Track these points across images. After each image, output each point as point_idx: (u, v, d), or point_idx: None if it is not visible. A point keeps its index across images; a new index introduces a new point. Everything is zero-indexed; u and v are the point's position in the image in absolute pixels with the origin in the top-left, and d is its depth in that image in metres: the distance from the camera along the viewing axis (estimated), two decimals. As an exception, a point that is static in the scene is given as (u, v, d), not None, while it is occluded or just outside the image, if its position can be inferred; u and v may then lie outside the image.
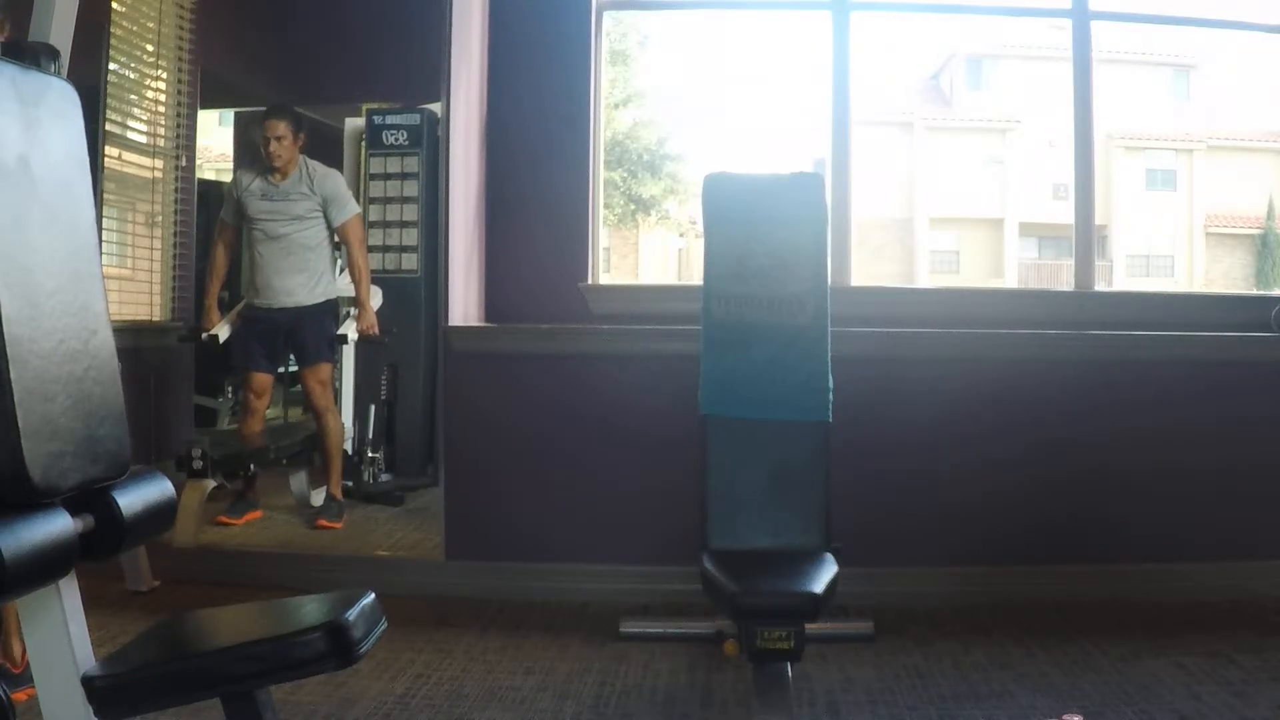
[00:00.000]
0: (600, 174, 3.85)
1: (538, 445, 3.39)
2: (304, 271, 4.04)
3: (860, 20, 3.80)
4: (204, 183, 5.25)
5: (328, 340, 4.16)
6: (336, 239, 4.17)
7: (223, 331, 4.16)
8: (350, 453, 4.47)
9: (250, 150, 4.25)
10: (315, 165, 4.08)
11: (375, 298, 4.38)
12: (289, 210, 3.99)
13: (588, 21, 3.70)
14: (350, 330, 4.32)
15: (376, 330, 4.25)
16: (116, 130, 4.52)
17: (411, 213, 5.04)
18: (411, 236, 5.03)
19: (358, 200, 4.36)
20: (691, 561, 2.60)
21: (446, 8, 3.38)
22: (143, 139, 4.71)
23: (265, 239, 4.01)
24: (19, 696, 2.20)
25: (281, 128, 3.93)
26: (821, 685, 2.59)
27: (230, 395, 5.03)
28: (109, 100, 4.44)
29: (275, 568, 3.48)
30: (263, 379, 4.08)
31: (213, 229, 4.47)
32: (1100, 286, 4.07)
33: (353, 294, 4.27)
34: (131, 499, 1.52)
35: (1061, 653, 2.82)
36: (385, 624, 1.60)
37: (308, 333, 4.07)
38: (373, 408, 4.75)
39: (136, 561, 3.26)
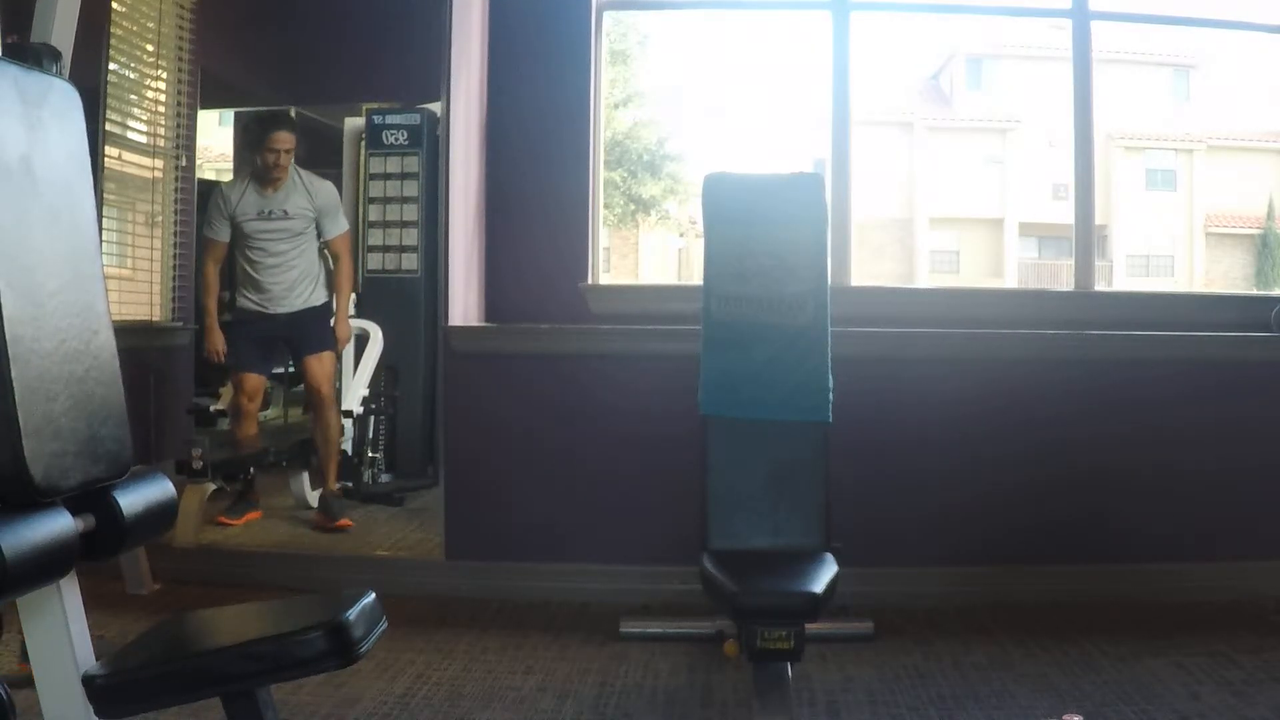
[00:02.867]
0: (600, 174, 3.84)
1: (538, 445, 3.39)
2: (304, 280, 4.07)
3: (860, 20, 3.79)
4: (204, 183, 5.24)
5: (329, 332, 4.16)
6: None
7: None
8: (350, 453, 4.47)
9: (247, 157, 4.16)
10: (307, 174, 4.06)
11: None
12: (289, 228, 4.00)
13: (588, 21, 3.70)
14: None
15: (348, 341, 4.26)
16: (116, 130, 4.52)
17: (411, 213, 5.05)
18: (411, 236, 5.04)
19: (357, 201, 4.36)
20: (691, 561, 2.60)
21: (446, 8, 3.38)
22: (143, 139, 4.71)
23: (265, 255, 4.01)
24: None
25: (291, 140, 3.91)
26: (821, 685, 2.59)
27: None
28: (109, 100, 4.44)
29: (275, 568, 3.48)
30: (256, 381, 4.10)
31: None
32: (1100, 286, 4.07)
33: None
34: (133, 499, 1.53)
35: (1061, 653, 2.82)
36: (385, 624, 1.61)
37: (309, 326, 4.10)
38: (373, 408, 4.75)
39: (137, 564, 3.26)
